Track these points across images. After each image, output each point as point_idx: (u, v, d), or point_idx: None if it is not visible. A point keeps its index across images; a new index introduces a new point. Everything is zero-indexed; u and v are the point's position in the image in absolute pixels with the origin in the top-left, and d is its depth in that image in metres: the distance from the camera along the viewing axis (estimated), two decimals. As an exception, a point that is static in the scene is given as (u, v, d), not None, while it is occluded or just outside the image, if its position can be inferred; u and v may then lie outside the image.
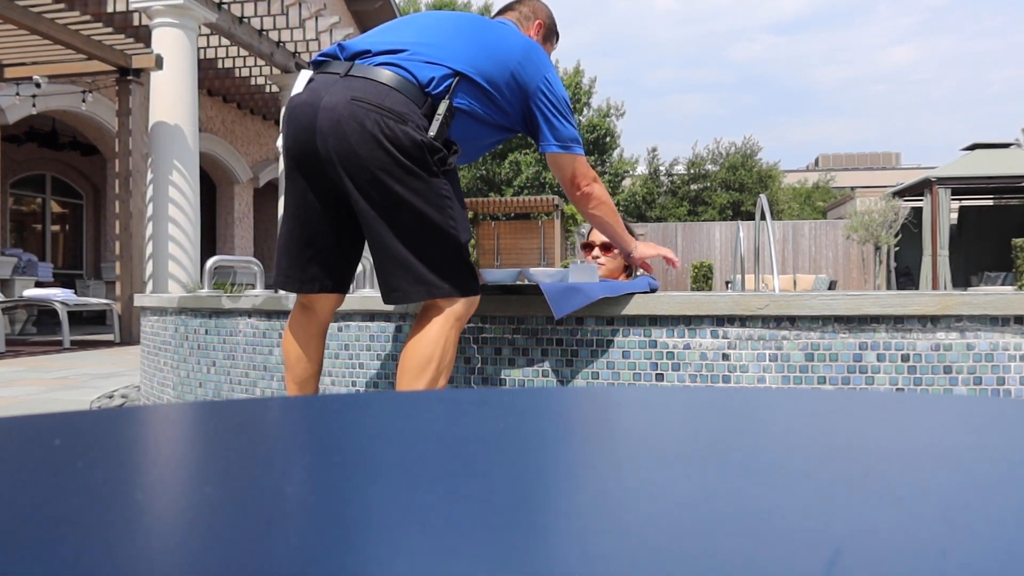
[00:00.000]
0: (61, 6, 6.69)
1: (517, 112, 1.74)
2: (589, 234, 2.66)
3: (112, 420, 0.43)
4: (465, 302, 1.66)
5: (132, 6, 6.98)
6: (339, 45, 1.69)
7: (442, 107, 1.59)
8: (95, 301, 7.10)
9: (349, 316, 2.20)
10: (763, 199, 3.97)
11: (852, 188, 20.27)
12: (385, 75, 1.58)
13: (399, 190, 1.54)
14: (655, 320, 1.86)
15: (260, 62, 9.76)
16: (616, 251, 2.58)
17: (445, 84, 1.61)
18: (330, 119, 1.54)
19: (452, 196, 1.61)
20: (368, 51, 1.64)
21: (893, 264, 14.32)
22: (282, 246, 1.72)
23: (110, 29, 7.03)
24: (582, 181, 1.83)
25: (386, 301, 1.63)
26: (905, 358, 1.75)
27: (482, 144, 1.79)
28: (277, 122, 12.51)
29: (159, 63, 6.92)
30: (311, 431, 0.42)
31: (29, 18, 5.96)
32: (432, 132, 1.57)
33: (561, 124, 1.74)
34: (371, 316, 2.17)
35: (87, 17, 6.94)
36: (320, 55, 1.70)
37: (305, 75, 1.66)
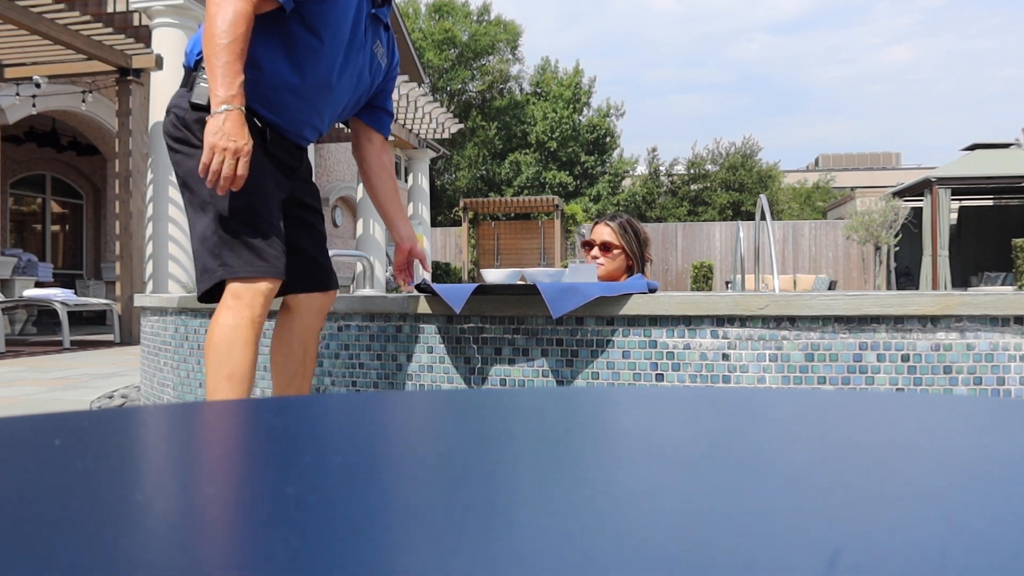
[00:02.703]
0: (61, 6, 6.68)
1: None
2: (591, 232, 2.64)
3: (112, 420, 0.43)
4: (242, 285, 1.51)
5: (132, 6, 6.98)
6: None
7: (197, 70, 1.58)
8: (95, 301, 7.09)
9: (349, 316, 2.20)
10: (763, 199, 3.98)
11: (852, 188, 20.26)
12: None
13: (177, 172, 1.60)
14: (655, 320, 1.86)
15: (260, 62, 9.74)
16: (616, 251, 2.50)
17: (198, 50, 1.59)
18: None
19: None
20: None
21: (893, 264, 14.32)
22: None
23: (110, 29, 7.02)
24: None
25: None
26: (905, 358, 1.75)
27: (295, 63, 1.56)
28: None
29: (159, 63, 6.92)
30: (311, 431, 0.42)
31: (29, 18, 5.96)
32: (193, 97, 1.54)
33: None
34: (371, 316, 2.17)
35: (87, 17, 6.93)
36: None
37: None
